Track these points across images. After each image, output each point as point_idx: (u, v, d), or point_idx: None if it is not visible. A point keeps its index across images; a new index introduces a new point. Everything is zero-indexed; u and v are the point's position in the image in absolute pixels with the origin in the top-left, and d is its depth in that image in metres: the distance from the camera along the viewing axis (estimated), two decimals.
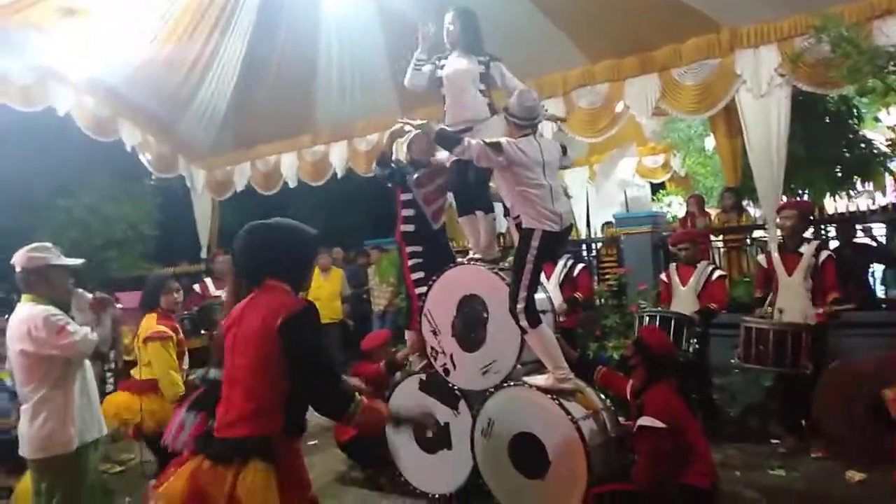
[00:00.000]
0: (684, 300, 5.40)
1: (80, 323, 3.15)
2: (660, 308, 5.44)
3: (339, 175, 9.36)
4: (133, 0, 7.10)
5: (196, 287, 6.48)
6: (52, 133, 9.89)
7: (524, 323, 3.76)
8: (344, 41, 8.23)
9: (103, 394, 5.17)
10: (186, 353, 4.11)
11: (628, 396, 3.68)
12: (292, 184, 9.68)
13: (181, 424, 3.04)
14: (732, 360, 4.98)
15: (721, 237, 7.33)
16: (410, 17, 6.34)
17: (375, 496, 4.46)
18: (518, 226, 3.91)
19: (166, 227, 13.16)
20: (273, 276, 2.23)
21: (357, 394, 2.20)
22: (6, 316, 3.35)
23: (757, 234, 7.26)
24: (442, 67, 4.55)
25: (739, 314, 5.17)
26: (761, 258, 5.30)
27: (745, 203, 7.74)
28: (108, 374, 5.16)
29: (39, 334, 2.96)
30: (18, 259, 3.12)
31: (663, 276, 5.70)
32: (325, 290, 8.00)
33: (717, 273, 5.48)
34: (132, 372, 4.25)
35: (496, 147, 3.66)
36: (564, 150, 4.10)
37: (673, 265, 5.64)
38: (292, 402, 2.11)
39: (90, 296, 3.35)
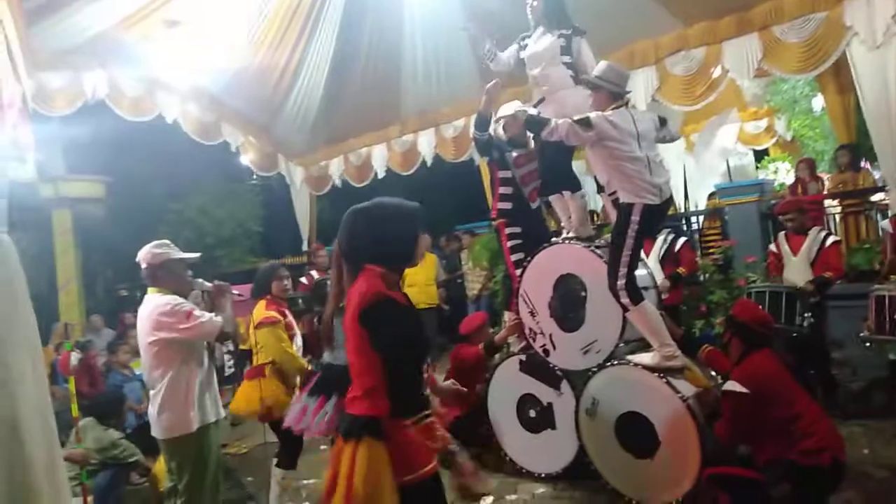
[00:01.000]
0: (797, 270, 5.08)
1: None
2: (769, 282, 5.16)
3: (429, 163, 9.47)
4: (227, 9, 7.46)
5: (303, 279, 6.83)
6: (163, 140, 10.59)
7: (625, 300, 3.68)
8: (427, 29, 8.29)
9: (223, 379, 5.60)
10: (298, 335, 4.33)
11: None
12: (381, 174, 9.89)
13: (303, 408, 3.21)
14: (862, 334, 4.63)
15: (836, 202, 6.81)
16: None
17: (483, 475, 4.50)
18: (615, 202, 3.83)
19: (269, 224, 13.86)
20: (371, 261, 2.25)
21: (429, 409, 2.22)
22: (133, 312, 3.66)
23: (876, 197, 6.69)
24: (524, 48, 4.51)
25: (859, 284, 4.80)
26: (885, 224, 4.89)
27: (862, 164, 7.15)
28: (228, 359, 5.53)
29: (169, 320, 3.21)
30: (143, 256, 3.38)
31: (772, 247, 5.38)
32: (421, 275, 8.14)
33: (831, 239, 5.11)
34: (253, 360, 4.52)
35: (585, 123, 3.58)
36: (663, 122, 3.95)
37: (782, 234, 5.32)
38: (393, 385, 2.15)
39: (209, 284, 3.60)
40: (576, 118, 3.63)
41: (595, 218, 7.61)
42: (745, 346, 3.37)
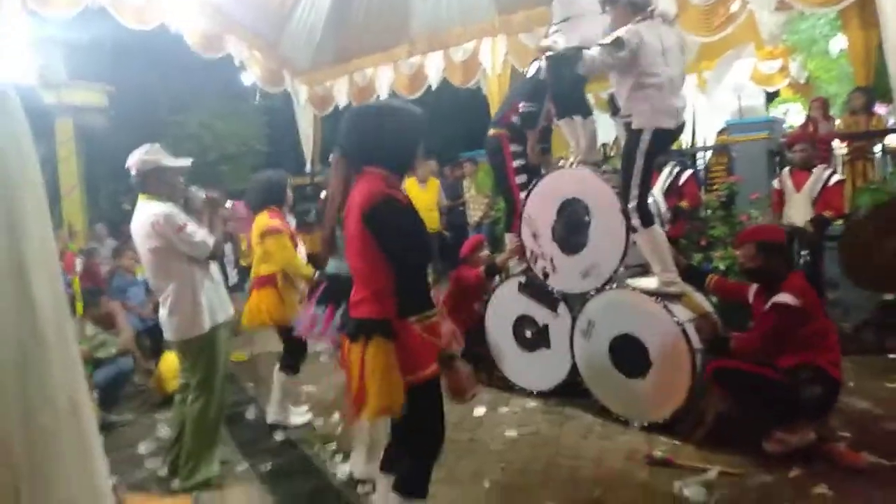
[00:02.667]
0: (798, 207, 5.10)
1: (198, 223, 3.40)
2: (771, 219, 5.19)
3: (434, 87, 9.29)
4: None
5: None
6: (167, 51, 10.35)
7: (636, 221, 3.72)
8: None
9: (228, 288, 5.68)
10: (301, 246, 4.36)
11: (750, 300, 3.59)
12: (384, 96, 9.71)
13: (313, 318, 3.27)
14: None
15: (846, 143, 6.75)
16: None
17: (475, 380, 4.66)
18: (627, 125, 3.79)
19: (274, 143, 13.74)
20: (372, 163, 2.23)
21: (434, 309, 2.19)
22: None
23: (889, 140, 6.63)
24: None
25: None
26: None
27: (874, 107, 7.04)
28: (232, 270, 5.60)
29: (163, 230, 3.21)
30: (133, 161, 3.32)
31: (775, 183, 5.38)
32: (423, 200, 8.14)
33: (836, 178, 5.11)
34: (253, 272, 4.55)
35: (617, 44, 3.48)
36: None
37: (786, 169, 5.30)
38: (401, 285, 2.16)
39: (203, 194, 3.58)
40: (607, 40, 3.53)
41: (606, 150, 7.53)
42: (786, 266, 3.43)
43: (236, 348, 6.17)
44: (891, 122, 7.29)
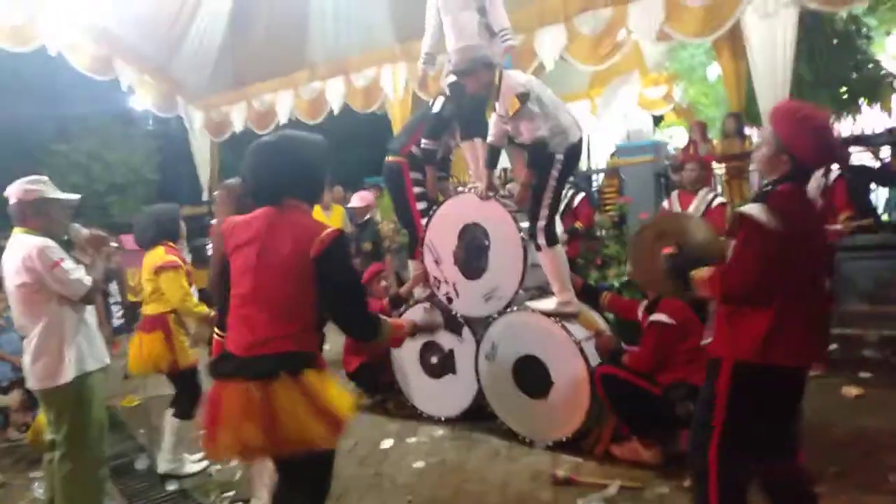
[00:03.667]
0: None
1: (78, 261, 3.14)
2: None
3: (336, 112, 9.23)
4: None
5: (213, 222, 6.52)
6: (47, 77, 9.73)
7: (542, 241, 3.82)
8: None
9: (112, 329, 5.31)
10: (193, 285, 4.13)
11: (639, 316, 3.74)
12: (284, 121, 9.55)
13: None
14: None
15: (723, 165, 7.26)
16: None
17: (384, 421, 4.59)
18: (535, 149, 3.81)
19: (167, 171, 13.15)
20: (290, 193, 2.16)
21: (384, 318, 2.27)
22: None
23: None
24: None
25: None
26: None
27: (746, 131, 7.62)
28: (117, 309, 5.24)
29: (34, 265, 2.94)
30: (13, 190, 3.05)
31: (665, 204, 5.68)
32: None
33: (718, 200, 5.44)
34: (142, 311, 4.27)
35: (524, 97, 3.64)
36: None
37: (675, 192, 5.61)
38: (321, 323, 2.19)
39: (86, 231, 3.32)
40: (518, 95, 3.65)
41: (505, 174, 7.71)
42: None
43: (128, 392, 5.78)
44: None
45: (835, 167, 4.78)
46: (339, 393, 2.09)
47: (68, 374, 3.03)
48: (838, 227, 4.71)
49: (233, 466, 4.04)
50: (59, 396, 3.06)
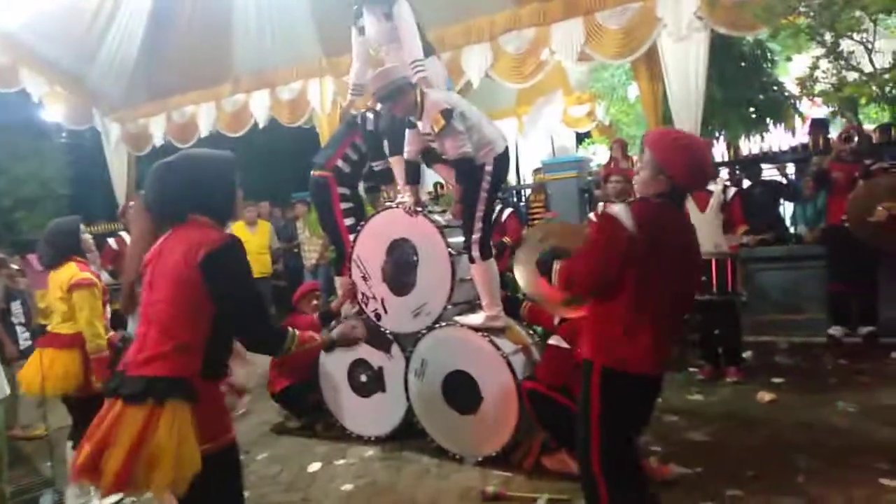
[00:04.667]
0: None
1: None
2: None
3: (262, 125, 9.04)
4: None
5: (111, 241, 6.11)
6: None
7: (476, 254, 3.82)
8: None
9: (20, 353, 4.94)
10: (108, 305, 3.88)
11: (554, 325, 3.79)
12: (205, 134, 9.27)
13: None
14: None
15: None
16: None
17: (312, 443, 4.47)
18: (462, 163, 3.83)
19: (80, 186, 12.47)
20: (196, 211, 2.09)
21: (290, 328, 2.16)
22: None
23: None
24: (362, 30, 4.47)
25: None
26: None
27: None
28: (23, 333, 4.88)
29: None
30: None
31: (591, 216, 5.85)
32: (253, 243, 7.77)
33: None
34: (52, 329, 3.96)
35: (447, 115, 3.66)
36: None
37: (601, 205, 5.78)
38: (213, 342, 2.02)
39: None
40: (442, 112, 3.65)
41: (438, 189, 7.74)
42: None
43: (33, 421, 5.38)
44: None
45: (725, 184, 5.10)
46: (183, 441, 1.89)
47: None
48: (745, 240, 5.01)
49: (147, 498, 3.81)
50: None
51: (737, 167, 6.97)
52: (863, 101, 5.51)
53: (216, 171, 2.17)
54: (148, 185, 2.16)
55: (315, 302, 5.16)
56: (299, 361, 4.74)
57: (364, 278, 4.34)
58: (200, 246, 1.97)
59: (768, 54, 8.37)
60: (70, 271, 3.64)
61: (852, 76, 5.00)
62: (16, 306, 4.75)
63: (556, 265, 2.51)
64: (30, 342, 4.76)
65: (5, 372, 3.89)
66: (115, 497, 3.79)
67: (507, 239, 5.70)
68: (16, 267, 3.45)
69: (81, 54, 8.76)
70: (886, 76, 4.85)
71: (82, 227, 3.83)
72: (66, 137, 12.46)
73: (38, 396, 3.83)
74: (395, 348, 4.27)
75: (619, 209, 2.31)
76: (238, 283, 2.04)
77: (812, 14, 4.91)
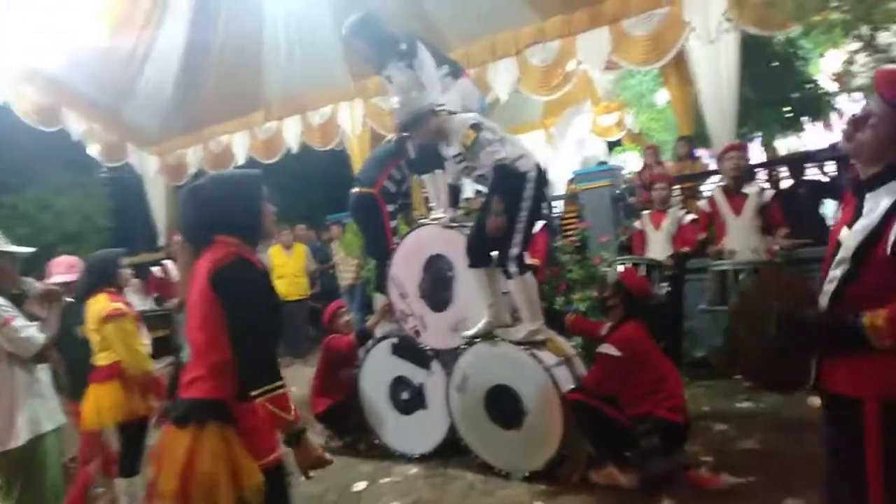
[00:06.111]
0: (658, 245, 5.52)
1: (32, 315, 3.04)
2: (628, 256, 5.59)
3: (295, 151, 9.22)
4: None
5: (155, 270, 6.26)
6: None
7: (514, 269, 3.77)
8: (289, 13, 8.05)
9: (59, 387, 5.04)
10: (145, 330, 3.95)
11: (601, 334, 3.76)
12: (241, 161, 9.48)
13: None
14: (701, 306, 5.13)
15: (678, 186, 7.42)
16: None
17: (356, 462, 4.46)
18: (502, 173, 3.79)
19: (121, 218, 12.83)
20: (222, 233, 2.09)
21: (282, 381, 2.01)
22: None
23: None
24: (388, 79, 4.56)
25: (701, 259, 5.30)
26: (702, 203, 5.45)
27: (696, 153, 7.84)
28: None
29: None
30: None
31: (637, 224, 5.82)
32: (290, 267, 7.91)
33: (689, 217, 5.62)
34: (95, 361, 4.07)
35: (477, 128, 3.75)
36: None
37: (646, 213, 5.76)
38: (244, 353, 1.99)
39: (39, 285, 3.22)
40: (471, 126, 3.74)
41: (469, 205, 7.73)
42: (625, 312, 3.63)
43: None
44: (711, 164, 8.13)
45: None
46: (231, 461, 1.91)
47: (20, 437, 2.90)
48: (781, 244, 4.89)
49: None
50: (11, 460, 2.92)
51: (775, 167, 6.82)
52: None
53: (240, 190, 2.17)
54: (179, 211, 2.23)
55: (346, 318, 5.15)
56: (340, 380, 4.79)
57: (402, 296, 4.36)
58: (211, 266, 2.00)
59: (799, 52, 8.21)
60: (101, 303, 3.70)
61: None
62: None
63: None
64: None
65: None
66: None
67: (534, 260, 5.54)
68: (69, 299, 3.54)
69: (118, 92, 9.08)
70: None
71: (123, 259, 3.94)
72: (107, 171, 12.83)
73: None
74: (435, 364, 4.26)
75: None
76: (243, 302, 1.99)
77: (846, 8, 4.81)
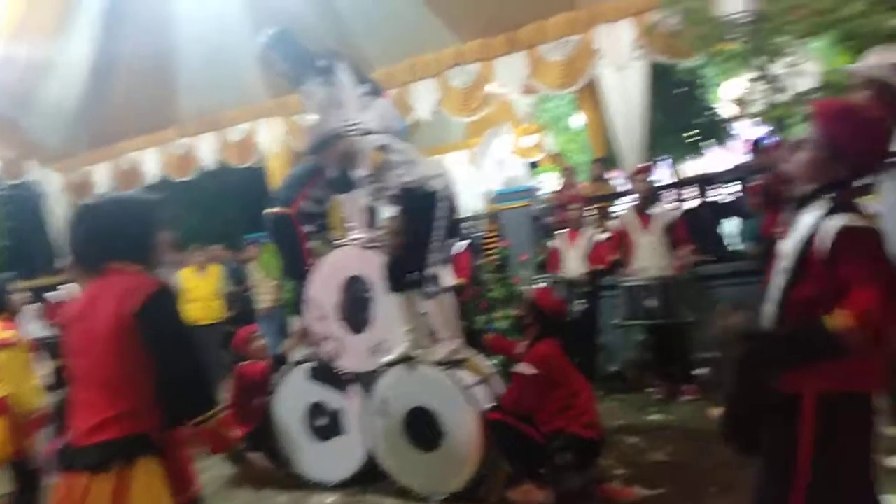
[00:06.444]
0: (574, 263, 5.68)
1: None
2: (545, 275, 5.74)
3: (211, 168, 8.92)
4: None
5: (49, 296, 5.85)
6: None
7: (431, 289, 3.77)
8: (205, 26, 7.82)
9: None
10: (47, 358, 3.69)
11: (517, 353, 3.80)
12: (153, 180, 9.09)
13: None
14: (614, 321, 5.30)
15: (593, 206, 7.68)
16: None
17: (271, 494, 4.29)
18: (410, 193, 3.82)
19: (17, 237, 12.00)
20: (115, 259, 1.98)
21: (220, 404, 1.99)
22: None
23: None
24: (308, 95, 4.45)
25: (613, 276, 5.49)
26: (612, 223, 5.70)
27: (605, 174, 8.13)
28: None
29: None
30: None
31: (553, 243, 5.96)
32: (203, 289, 7.56)
33: (603, 235, 5.83)
34: None
35: (386, 149, 3.78)
36: None
37: (561, 232, 5.92)
38: (179, 385, 1.92)
39: None
40: (377, 148, 3.76)
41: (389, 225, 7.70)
42: (540, 330, 3.66)
43: None
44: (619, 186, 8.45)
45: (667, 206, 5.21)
46: (159, 499, 1.85)
47: None
48: (681, 261, 5.13)
49: None
50: None
51: (681, 188, 7.18)
52: (792, 120, 5.76)
53: (137, 214, 2.07)
54: (70, 231, 2.06)
55: (259, 343, 4.98)
56: (254, 408, 4.61)
57: (320, 318, 4.26)
58: (134, 294, 1.87)
59: (699, 81, 8.75)
60: None
61: (782, 98, 5.22)
62: None
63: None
64: None
65: None
66: None
67: (459, 279, 5.56)
68: None
69: (16, 102, 8.51)
70: (813, 97, 5.09)
71: (14, 284, 3.67)
72: (5, 189, 11.99)
73: None
74: (354, 388, 4.18)
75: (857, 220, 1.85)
76: (170, 333, 1.92)
77: (743, 40, 5.14)
